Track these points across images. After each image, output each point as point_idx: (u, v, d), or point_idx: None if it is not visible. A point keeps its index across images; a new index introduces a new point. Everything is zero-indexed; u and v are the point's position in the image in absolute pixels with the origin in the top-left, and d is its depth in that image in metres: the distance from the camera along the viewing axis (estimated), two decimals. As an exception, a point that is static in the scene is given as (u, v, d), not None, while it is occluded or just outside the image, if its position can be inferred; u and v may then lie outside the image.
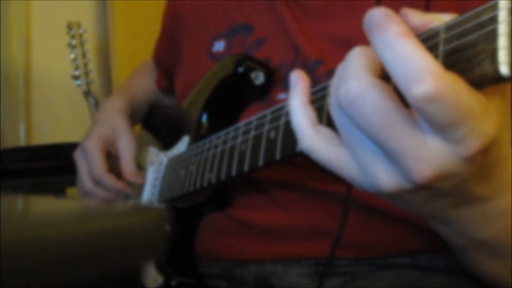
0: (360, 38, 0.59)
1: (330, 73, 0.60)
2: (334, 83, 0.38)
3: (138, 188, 0.82)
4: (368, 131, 0.34)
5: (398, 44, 0.32)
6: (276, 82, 0.67)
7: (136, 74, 1.05)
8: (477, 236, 0.43)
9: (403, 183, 0.35)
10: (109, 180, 0.79)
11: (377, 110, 0.33)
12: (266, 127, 0.52)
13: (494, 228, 0.42)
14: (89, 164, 0.80)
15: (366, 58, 0.35)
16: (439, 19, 0.34)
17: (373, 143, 0.35)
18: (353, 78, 0.34)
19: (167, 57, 0.91)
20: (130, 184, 0.81)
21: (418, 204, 0.39)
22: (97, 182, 0.80)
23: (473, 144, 0.32)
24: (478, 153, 0.32)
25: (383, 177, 0.35)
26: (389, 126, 0.33)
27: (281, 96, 0.66)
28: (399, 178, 0.35)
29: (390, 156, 0.34)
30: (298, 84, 0.42)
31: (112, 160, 0.82)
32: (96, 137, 0.82)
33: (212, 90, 0.72)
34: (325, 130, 0.40)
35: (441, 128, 0.32)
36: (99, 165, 0.79)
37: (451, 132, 0.32)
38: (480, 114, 0.32)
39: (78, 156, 0.83)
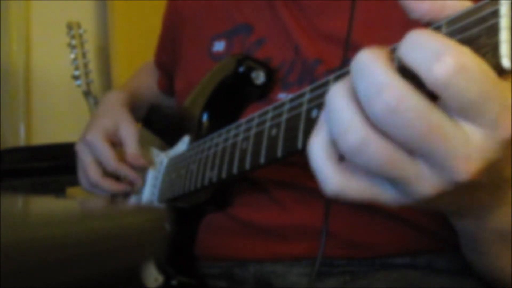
0: (359, 38, 0.60)
1: (329, 73, 0.60)
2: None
3: (139, 188, 0.83)
4: (414, 139, 0.32)
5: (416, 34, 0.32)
6: (277, 82, 0.67)
7: (138, 75, 1.05)
8: (497, 223, 0.42)
9: (447, 186, 0.33)
10: (125, 170, 0.78)
11: (420, 113, 0.31)
12: (267, 124, 0.52)
13: None
14: (99, 157, 0.80)
15: (383, 60, 0.33)
16: (453, 4, 0.34)
17: (417, 154, 0.33)
18: (389, 85, 0.31)
19: (168, 58, 0.91)
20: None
21: (451, 202, 0.37)
22: (111, 173, 0.79)
23: (509, 123, 0.31)
24: None
25: (426, 189, 0.33)
26: (433, 127, 0.31)
27: (281, 95, 0.66)
28: (444, 183, 0.33)
29: (435, 161, 0.32)
30: (324, 125, 0.37)
31: (116, 149, 0.82)
32: (98, 129, 0.81)
33: (213, 90, 0.72)
34: (349, 164, 0.36)
35: (472, 106, 0.31)
36: (111, 156, 0.79)
37: (484, 110, 0.31)
38: (506, 88, 0.31)
39: (81, 149, 0.82)
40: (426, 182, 0.33)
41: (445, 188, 0.33)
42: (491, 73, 0.30)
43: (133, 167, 0.80)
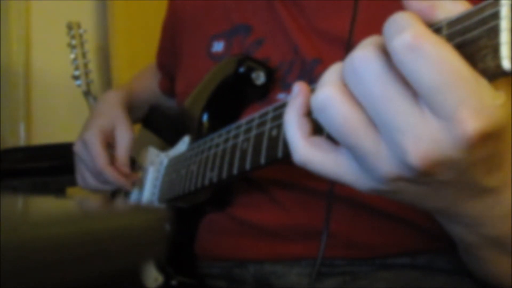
0: (358, 37, 0.60)
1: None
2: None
3: (139, 187, 0.83)
4: (368, 99, 0.34)
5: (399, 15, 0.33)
6: (276, 82, 0.67)
7: (140, 75, 1.05)
8: (489, 233, 0.42)
9: (402, 169, 0.34)
10: (110, 174, 0.79)
11: (378, 77, 0.33)
12: (268, 125, 0.52)
13: (507, 223, 0.41)
14: (90, 157, 0.81)
15: (376, 38, 0.35)
16: (442, 5, 0.34)
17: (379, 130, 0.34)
18: (359, 48, 0.34)
19: (168, 58, 0.91)
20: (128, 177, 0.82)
21: (422, 196, 0.38)
22: (98, 175, 0.80)
23: (470, 124, 0.31)
24: (478, 137, 0.31)
25: (383, 166, 0.34)
26: (389, 95, 0.33)
27: (280, 95, 0.66)
28: (398, 164, 0.34)
29: (389, 134, 0.33)
30: (299, 95, 0.40)
31: (111, 149, 0.83)
32: (95, 129, 0.82)
33: (213, 90, 0.72)
34: (318, 140, 0.39)
35: (427, 91, 0.31)
36: (101, 158, 0.80)
37: (440, 99, 0.31)
38: (476, 87, 0.31)
39: (79, 148, 0.83)
40: (383, 159, 0.34)
41: (401, 171, 0.34)
42: (455, 65, 0.31)
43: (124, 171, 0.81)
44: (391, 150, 0.34)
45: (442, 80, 0.31)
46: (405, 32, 0.31)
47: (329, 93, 0.35)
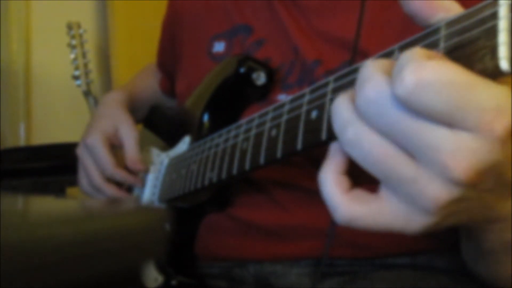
0: (362, 39, 0.60)
1: (328, 74, 0.60)
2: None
3: (139, 187, 0.83)
4: (395, 127, 0.33)
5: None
6: (277, 82, 0.67)
7: (139, 75, 1.05)
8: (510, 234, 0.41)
9: (449, 188, 0.33)
10: (122, 175, 0.79)
11: (399, 104, 0.32)
12: (267, 125, 0.52)
13: None
14: (98, 161, 0.80)
15: (378, 64, 0.34)
16: (441, 5, 0.34)
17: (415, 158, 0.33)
18: (368, 80, 0.33)
19: (168, 58, 0.91)
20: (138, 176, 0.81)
21: (469, 212, 0.37)
22: (109, 179, 0.79)
23: (496, 124, 0.30)
24: (507, 134, 0.31)
25: (430, 192, 0.33)
26: (414, 119, 0.32)
27: (281, 96, 0.66)
28: (444, 184, 0.33)
29: (425, 156, 0.32)
30: (337, 155, 0.38)
31: (116, 150, 0.82)
32: (98, 132, 0.81)
33: (214, 90, 0.72)
34: (357, 192, 0.37)
35: (446, 116, 0.31)
36: (109, 161, 0.79)
37: (460, 116, 0.31)
38: (488, 89, 0.30)
39: (82, 152, 0.82)
40: (427, 184, 0.33)
41: (449, 192, 0.33)
42: (460, 81, 0.30)
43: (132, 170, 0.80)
44: (432, 172, 0.33)
45: (454, 101, 0.30)
46: (404, 73, 0.30)
47: (356, 129, 0.34)
